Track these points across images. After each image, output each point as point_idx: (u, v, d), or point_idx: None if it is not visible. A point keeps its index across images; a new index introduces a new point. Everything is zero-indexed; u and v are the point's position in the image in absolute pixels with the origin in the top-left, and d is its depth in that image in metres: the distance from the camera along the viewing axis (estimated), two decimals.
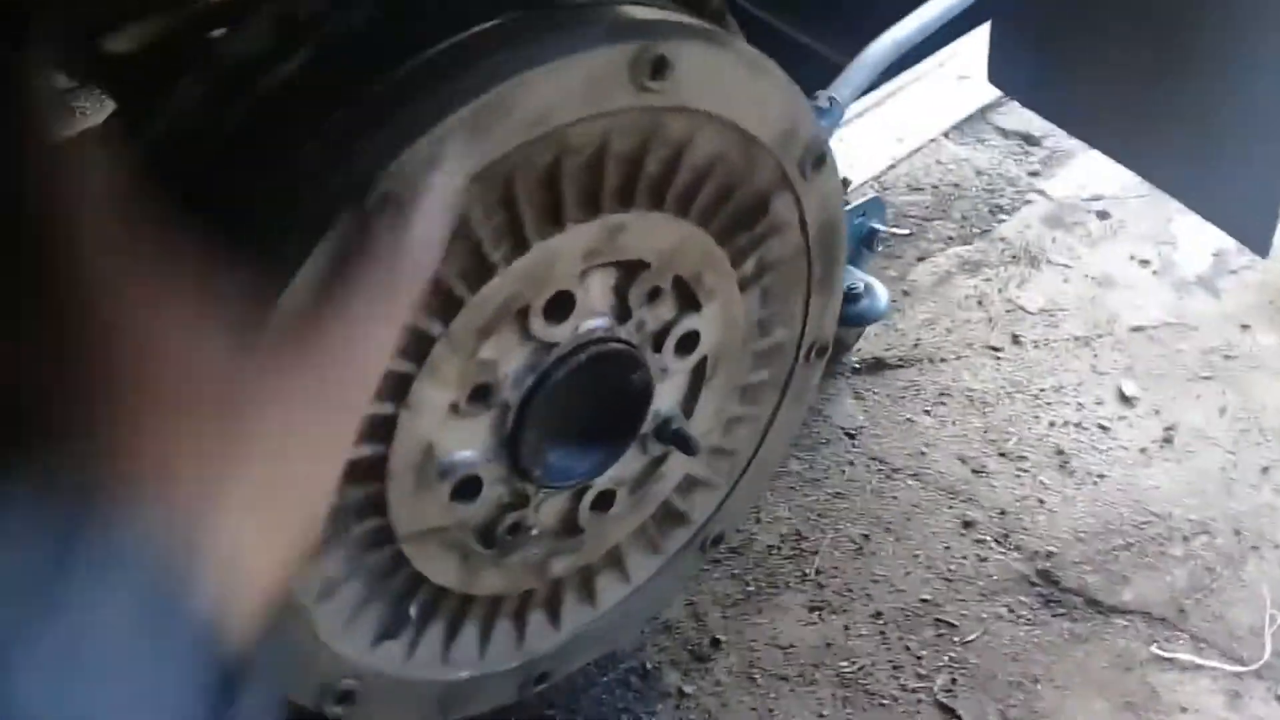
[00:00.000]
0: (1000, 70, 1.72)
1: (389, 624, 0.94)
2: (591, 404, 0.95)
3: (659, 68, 0.82)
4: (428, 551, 0.92)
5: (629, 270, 0.92)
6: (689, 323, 0.98)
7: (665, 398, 1.02)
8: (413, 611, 0.95)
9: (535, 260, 0.84)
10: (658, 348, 0.97)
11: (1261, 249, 1.53)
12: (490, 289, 0.83)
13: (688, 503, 1.13)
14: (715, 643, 1.46)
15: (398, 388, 0.82)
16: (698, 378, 1.03)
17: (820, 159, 0.99)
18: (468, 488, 0.92)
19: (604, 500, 1.03)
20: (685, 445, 1.01)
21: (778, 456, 1.20)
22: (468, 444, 0.91)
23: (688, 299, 0.98)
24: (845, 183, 1.91)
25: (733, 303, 1.01)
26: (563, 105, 0.79)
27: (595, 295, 0.92)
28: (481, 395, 0.88)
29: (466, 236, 0.80)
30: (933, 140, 2.26)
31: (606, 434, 0.99)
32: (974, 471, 1.69)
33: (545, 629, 1.09)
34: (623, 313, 0.93)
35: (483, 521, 0.96)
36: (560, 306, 0.89)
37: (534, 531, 0.98)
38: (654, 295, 0.94)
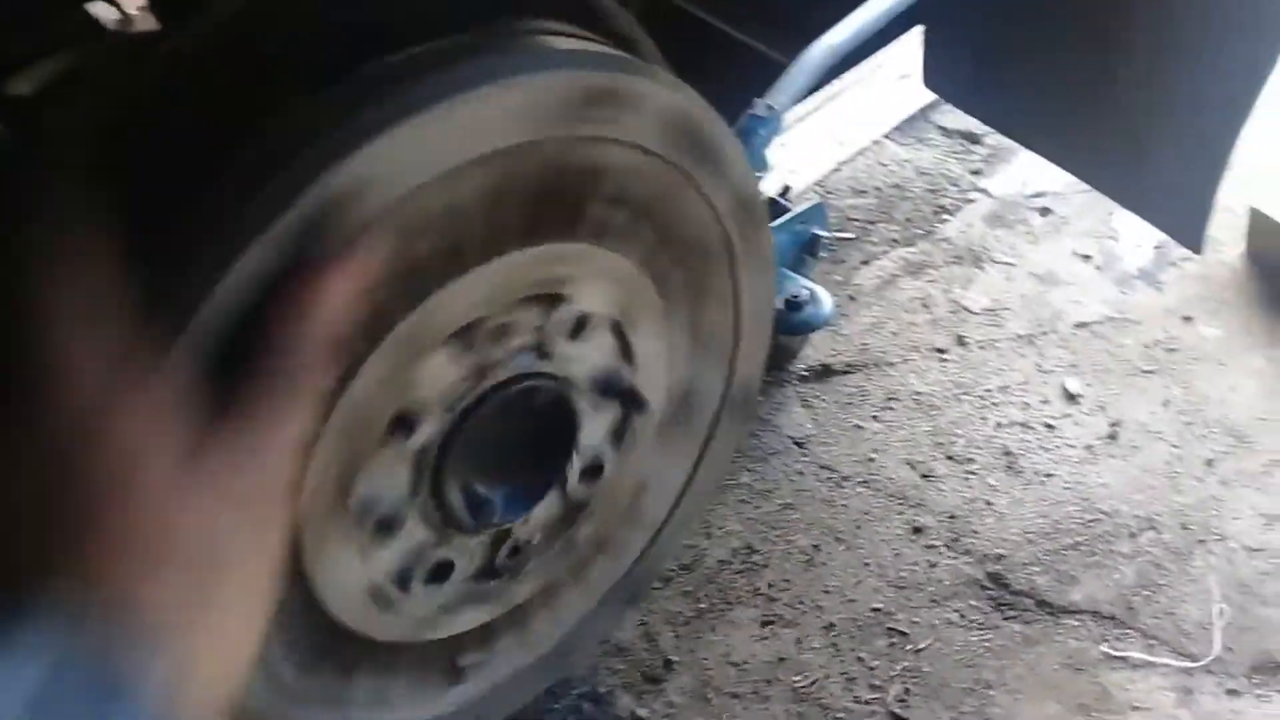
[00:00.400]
0: (935, 75, 1.72)
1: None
2: (514, 444, 0.94)
3: (604, 99, 0.81)
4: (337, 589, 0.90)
5: (558, 303, 0.91)
6: (621, 369, 0.97)
7: (592, 436, 1.00)
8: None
9: (481, 280, 0.83)
10: (590, 388, 0.96)
11: (1195, 245, 1.54)
12: (432, 303, 0.82)
13: (595, 567, 1.12)
14: (668, 663, 1.46)
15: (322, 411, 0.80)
16: (620, 430, 1.02)
17: (754, 204, 0.98)
18: (386, 526, 0.90)
19: (520, 548, 1.01)
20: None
21: (693, 520, 1.19)
22: (386, 480, 0.89)
23: (623, 345, 0.97)
24: (786, 189, 1.92)
25: (662, 355, 1.00)
26: (513, 126, 0.78)
27: (520, 329, 0.91)
28: (405, 426, 0.87)
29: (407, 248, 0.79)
30: (875, 142, 2.26)
31: (528, 476, 0.98)
32: (923, 476, 1.70)
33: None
34: (545, 349, 0.92)
35: (399, 566, 0.94)
36: (496, 335, 0.87)
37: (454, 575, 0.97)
38: (583, 332, 0.93)
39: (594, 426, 0.99)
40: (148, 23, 1.24)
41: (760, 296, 1.06)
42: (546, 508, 1.00)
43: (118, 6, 1.31)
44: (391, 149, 0.72)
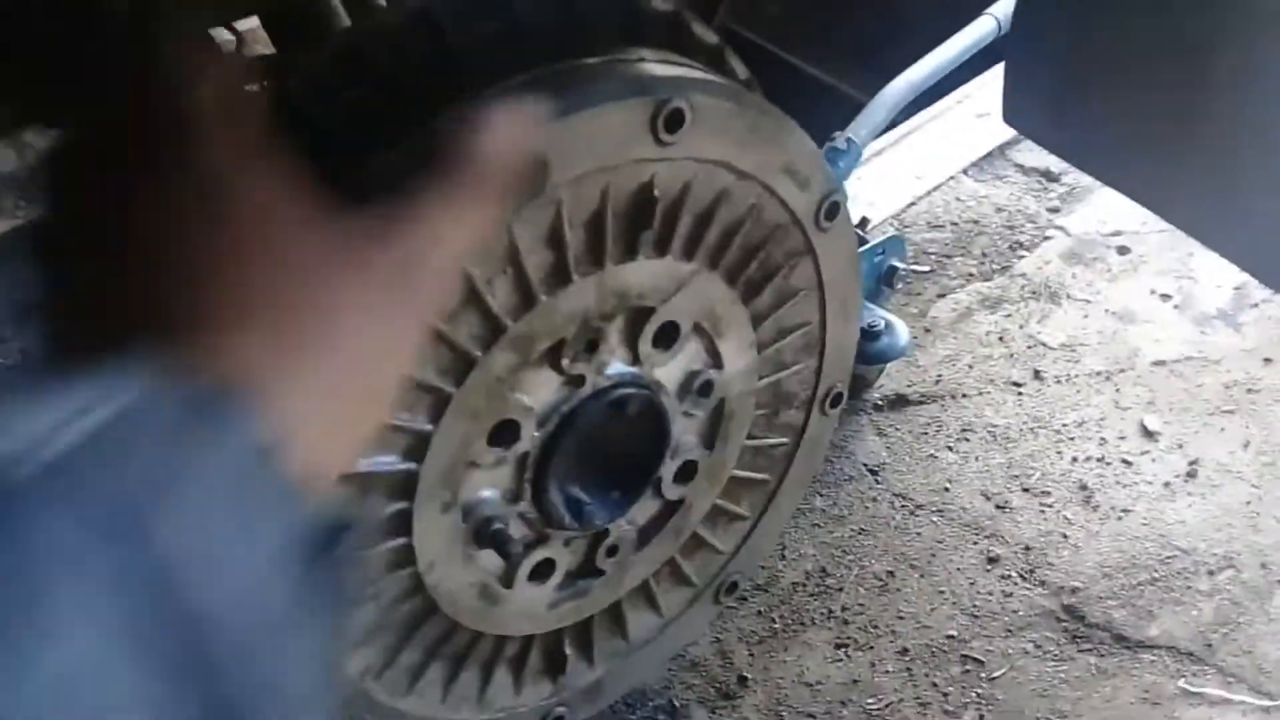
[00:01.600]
0: (1015, 110, 1.74)
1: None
2: (613, 447, 0.98)
3: (674, 121, 0.85)
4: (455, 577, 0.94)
5: (645, 317, 0.95)
6: (707, 374, 1.00)
7: (683, 437, 1.04)
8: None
9: (570, 299, 0.87)
10: (680, 396, 1.00)
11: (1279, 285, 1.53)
12: (531, 318, 0.86)
13: (693, 562, 1.15)
14: (742, 680, 1.47)
15: (435, 407, 0.84)
16: (711, 432, 1.05)
17: (835, 208, 1.01)
18: (487, 526, 0.94)
19: (620, 545, 1.05)
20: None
21: (788, 513, 1.21)
22: (492, 482, 0.93)
23: (710, 350, 1.00)
24: (864, 221, 1.95)
25: (748, 356, 1.03)
26: (592, 151, 0.82)
27: (616, 340, 0.94)
28: (508, 430, 0.91)
29: (515, 264, 0.83)
30: (952, 178, 2.28)
31: (624, 478, 1.02)
32: (998, 507, 1.70)
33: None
34: (639, 358, 0.95)
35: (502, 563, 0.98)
36: (588, 348, 0.91)
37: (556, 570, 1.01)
38: (671, 342, 0.96)
39: (685, 429, 1.02)
40: (262, 44, 1.31)
41: (846, 295, 1.09)
42: (643, 509, 1.03)
43: (232, 30, 1.38)
44: (572, 130, 0.76)
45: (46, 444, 0.38)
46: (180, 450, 0.41)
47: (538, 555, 0.99)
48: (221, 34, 1.20)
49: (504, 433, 0.90)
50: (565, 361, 0.90)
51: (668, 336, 0.96)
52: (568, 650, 1.09)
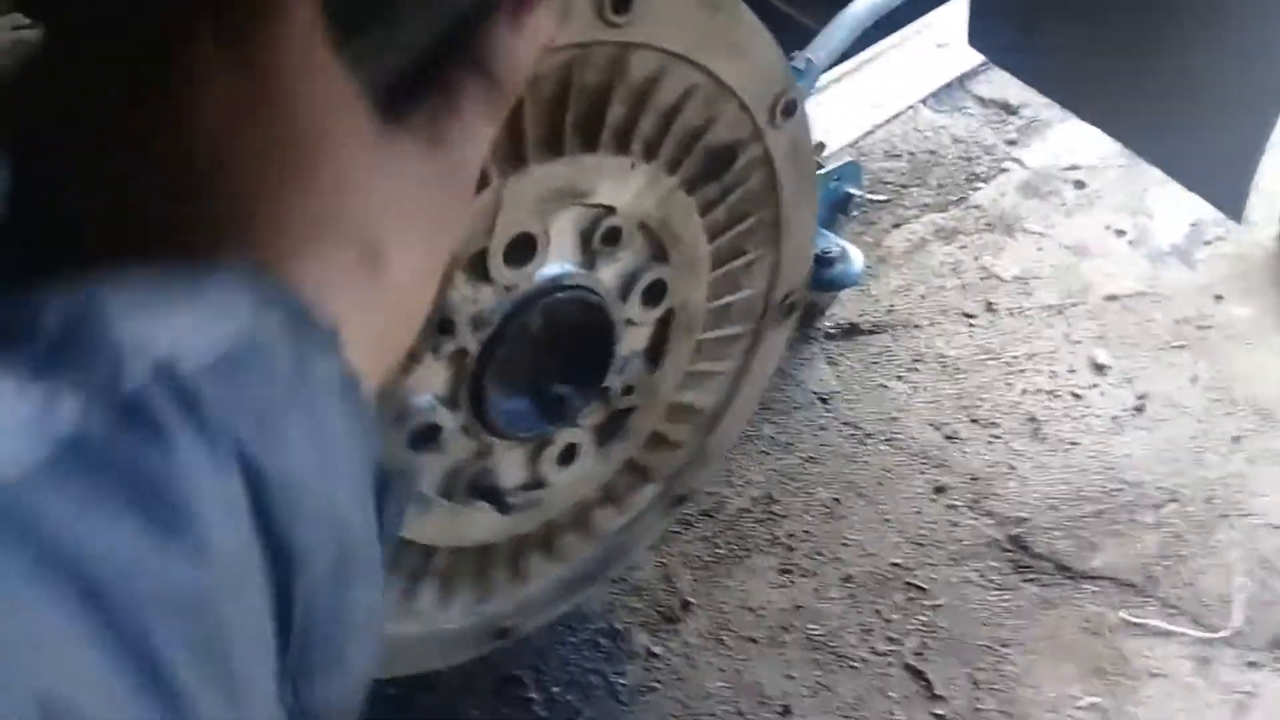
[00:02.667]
0: (980, 34, 1.70)
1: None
2: (554, 354, 0.93)
3: (621, 2, 0.79)
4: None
5: (594, 216, 0.90)
6: (656, 271, 0.95)
7: (629, 347, 0.99)
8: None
9: (492, 199, 0.82)
10: (624, 296, 0.95)
11: (1235, 214, 1.52)
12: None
13: (653, 459, 1.11)
14: (685, 605, 1.45)
15: None
16: (663, 330, 1.01)
17: (791, 106, 0.96)
18: (427, 434, 0.89)
19: (568, 454, 1.00)
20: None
21: (744, 417, 1.18)
22: (430, 387, 0.88)
23: (655, 247, 0.95)
24: (820, 147, 1.90)
25: (700, 254, 0.98)
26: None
27: (558, 240, 0.89)
28: (446, 330, 0.86)
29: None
30: (910, 107, 2.24)
31: (569, 384, 0.97)
32: (946, 438, 1.68)
33: (509, 585, 1.07)
34: (587, 259, 0.90)
35: (449, 468, 0.93)
36: (521, 248, 0.86)
37: (501, 483, 0.96)
38: (617, 240, 0.91)
39: (634, 333, 0.98)
40: None
41: (802, 201, 1.04)
42: (591, 416, 0.99)
43: None
44: None
45: (192, 350, 0.38)
46: (282, 376, 0.41)
47: (478, 466, 0.95)
48: None
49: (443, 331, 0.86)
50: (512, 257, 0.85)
51: (616, 236, 0.91)
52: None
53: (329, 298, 0.45)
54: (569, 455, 1.00)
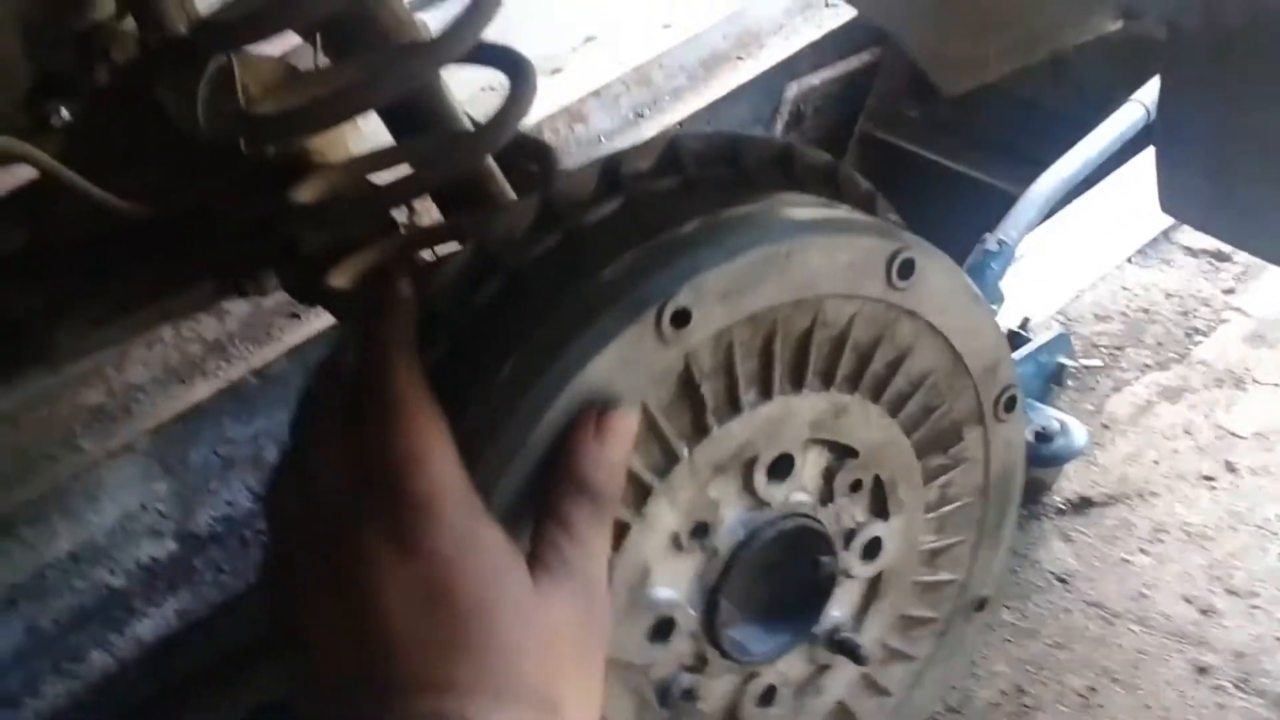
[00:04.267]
0: (1171, 197, 1.69)
1: None
2: (780, 583, 0.97)
3: (906, 269, 0.87)
4: (611, 686, 0.94)
5: (840, 455, 0.95)
6: (876, 528, 0.99)
7: (841, 603, 1.02)
8: None
9: (774, 413, 0.89)
10: (846, 545, 0.99)
11: None
12: (734, 426, 0.87)
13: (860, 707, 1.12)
14: None
15: (638, 497, 0.86)
16: (871, 592, 1.04)
17: (1012, 401, 1.01)
18: (663, 629, 0.94)
19: (768, 695, 1.03)
20: (854, 654, 1.00)
21: (929, 707, 1.18)
22: (674, 583, 0.94)
23: (879, 504, 1.00)
24: (1026, 320, 1.91)
25: (915, 522, 1.02)
26: (827, 278, 0.85)
27: (808, 471, 0.95)
28: (701, 533, 0.91)
29: (727, 372, 0.85)
30: (1116, 266, 2.23)
31: (786, 620, 1.01)
32: (1202, 612, 1.61)
33: None
34: (826, 496, 0.96)
35: (664, 675, 0.97)
36: (781, 468, 0.92)
37: (701, 705, 0.99)
38: (856, 487, 0.96)
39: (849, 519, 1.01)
40: (434, 216, 1.39)
41: (1010, 444, 1.07)
42: (843, 597, 1.02)
43: (409, 206, 1.47)
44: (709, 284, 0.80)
45: None
46: None
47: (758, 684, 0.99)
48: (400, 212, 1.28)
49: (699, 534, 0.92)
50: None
51: (856, 484, 0.96)
52: None
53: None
54: (769, 697, 1.03)
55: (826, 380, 0.90)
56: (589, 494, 0.64)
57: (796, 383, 0.89)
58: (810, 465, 0.94)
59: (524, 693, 0.55)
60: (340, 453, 0.59)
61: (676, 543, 0.90)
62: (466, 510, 0.58)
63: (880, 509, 0.99)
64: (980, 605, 1.10)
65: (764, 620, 1.00)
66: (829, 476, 0.95)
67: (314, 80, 1.07)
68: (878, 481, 0.97)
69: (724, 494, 0.91)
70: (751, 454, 0.89)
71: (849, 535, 0.98)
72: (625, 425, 0.67)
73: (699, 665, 0.98)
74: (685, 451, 0.85)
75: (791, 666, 1.03)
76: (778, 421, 0.89)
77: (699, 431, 0.86)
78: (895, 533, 1.00)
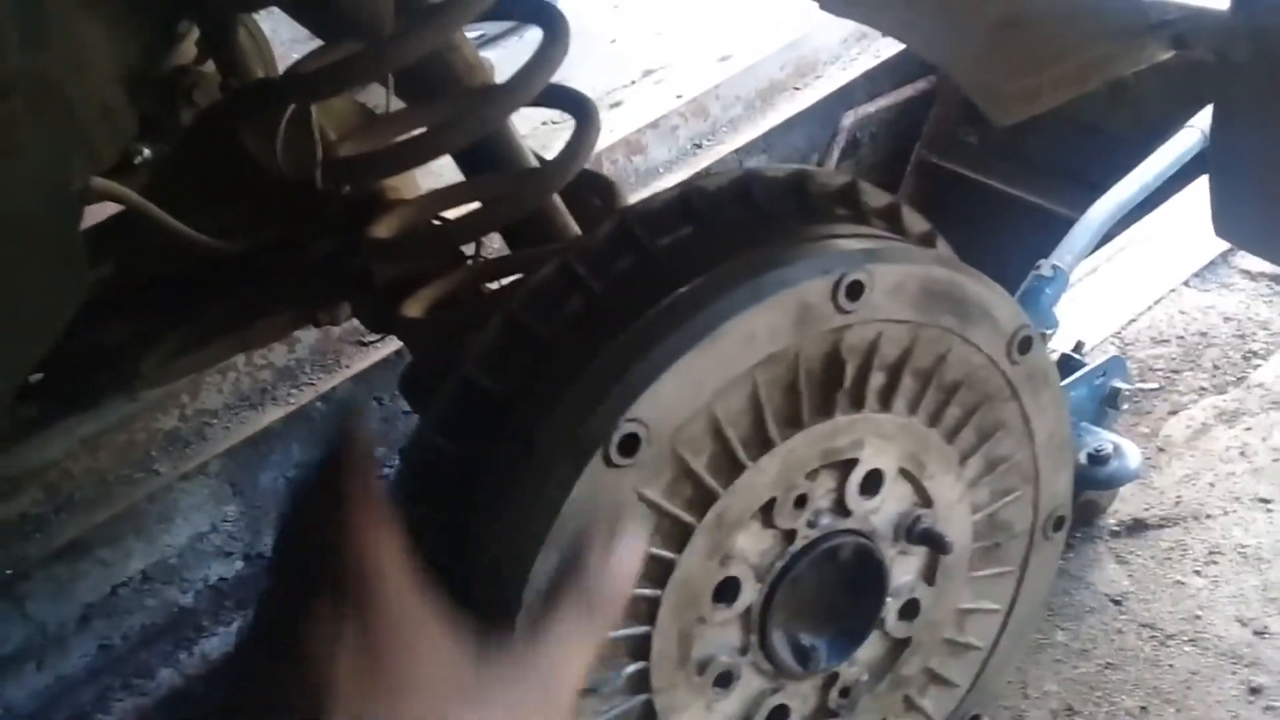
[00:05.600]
0: (1225, 222, 1.71)
1: None
2: (831, 593, 1.02)
3: (854, 291, 0.92)
4: None
5: (850, 467, 1.00)
6: (919, 514, 1.04)
7: (902, 577, 1.07)
8: None
9: (778, 458, 0.94)
10: (895, 538, 1.04)
11: None
12: (741, 484, 0.93)
13: (928, 699, 1.16)
14: None
15: (659, 573, 0.92)
16: (931, 569, 1.08)
17: (1027, 341, 1.04)
18: (724, 679, 0.99)
19: (852, 687, 1.08)
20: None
21: (1019, 649, 1.21)
22: (721, 635, 0.99)
23: (919, 492, 1.04)
24: (1080, 345, 1.93)
25: (960, 495, 1.06)
26: (780, 332, 0.90)
27: (823, 492, 1.00)
28: (730, 587, 0.97)
29: (719, 438, 0.91)
30: (1173, 290, 2.23)
31: (848, 621, 1.05)
32: (1256, 633, 1.62)
33: None
34: (844, 508, 1.01)
35: (740, 710, 1.02)
36: (798, 503, 0.97)
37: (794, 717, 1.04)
38: (876, 489, 1.01)
39: (903, 569, 1.06)
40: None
41: (1053, 422, 1.10)
42: (870, 648, 1.06)
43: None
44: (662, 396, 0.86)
45: None
46: None
47: (772, 702, 1.04)
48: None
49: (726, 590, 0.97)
50: (778, 518, 0.97)
51: (873, 484, 1.01)
52: None
53: None
54: (854, 685, 1.08)
55: (825, 411, 0.96)
56: (585, 598, 0.69)
57: (794, 423, 0.95)
58: (825, 488, 1.00)
59: None
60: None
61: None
62: (409, 601, 0.65)
63: (921, 496, 1.05)
64: (1059, 524, 1.17)
65: (827, 627, 1.05)
66: (858, 488, 1.01)
67: (392, 123, 1.14)
68: (905, 473, 1.03)
69: (748, 544, 0.96)
70: (765, 500, 0.95)
71: (896, 528, 1.04)
72: (635, 547, 0.72)
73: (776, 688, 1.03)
74: (694, 521, 0.92)
75: (868, 652, 1.08)
76: (786, 463, 0.95)
77: (707, 500, 0.93)
78: (942, 511, 1.05)
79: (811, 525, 0.99)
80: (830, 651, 1.04)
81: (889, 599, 1.05)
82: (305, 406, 2.33)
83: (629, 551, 0.71)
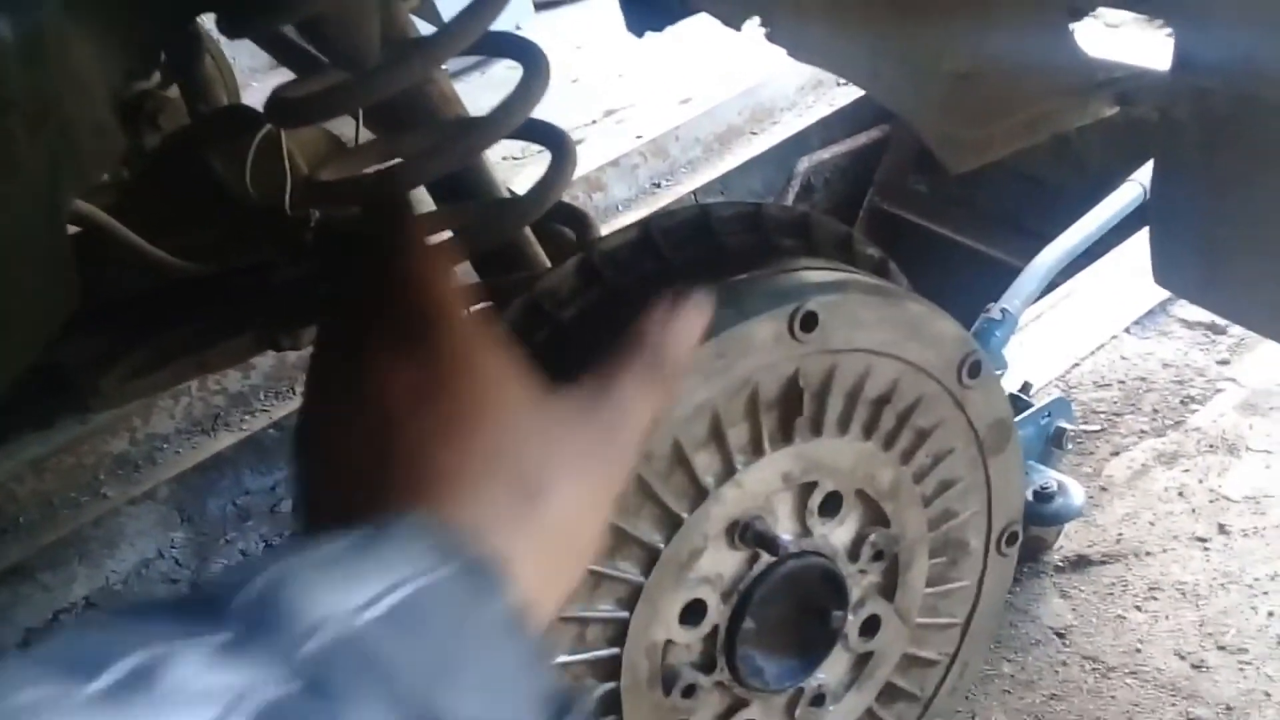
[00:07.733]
0: (1165, 272, 1.77)
1: None
2: (794, 612, 1.05)
3: (808, 323, 0.95)
4: None
5: (811, 490, 1.04)
6: (875, 536, 1.08)
7: (862, 595, 1.10)
8: None
9: (740, 484, 0.97)
10: (852, 558, 1.07)
11: None
12: (703, 508, 0.96)
13: (891, 712, 1.19)
14: None
15: (629, 596, 0.94)
16: (889, 585, 1.12)
17: (976, 365, 1.09)
18: (690, 693, 1.02)
19: (818, 701, 1.11)
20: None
21: (978, 659, 1.25)
22: (688, 655, 1.01)
23: (876, 512, 1.08)
24: (1027, 385, 1.99)
25: (917, 514, 1.10)
26: (738, 363, 0.94)
27: (785, 514, 1.03)
28: (696, 609, 1.00)
29: (683, 464, 0.94)
30: (1114, 336, 2.30)
31: (812, 638, 1.09)
32: (1194, 667, 1.67)
33: None
34: (808, 529, 1.04)
35: None
36: (760, 525, 1.00)
37: None
38: (835, 510, 1.05)
39: (862, 587, 1.09)
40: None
41: (1004, 453, 1.15)
42: (834, 663, 1.09)
43: None
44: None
45: (369, 604, 0.45)
46: (455, 620, 0.48)
47: (740, 717, 1.06)
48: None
49: (693, 610, 1.00)
50: (740, 541, 1.00)
51: (832, 506, 1.05)
52: None
53: (493, 530, 0.54)
54: (819, 699, 1.11)
55: (784, 437, 1.00)
56: (649, 354, 0.66)
57: (756, 451, 0.98)
58: (786, 509, 1.03)
59: (505, 471, 0.57)
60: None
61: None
62: (470, 332, 0.62)
63: (878, 517, 1.08)
64: (1012, 539, 1.21)
65: (788, 646, 1.08)
66: (817, 510, 1.04)
67: (368, 152, 1.17)
68: (862, 495, 1.06)
69: (713, 567, 0.99)
70: (729, 523, 0.98)
71: (852, 548, 1.07)
72: (698, 316, 0.69)
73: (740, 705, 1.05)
74: (661, 545, 0.96)
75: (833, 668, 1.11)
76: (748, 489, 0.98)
77: (672, 526, 0.96)
78: (899, 530, 1.10)
79: (773, 547, 1.02)
80: (796, 668, 1.07)
81: (850, 616, 1.08)
82: (257, 433, 2.32)
83: (692, 319, 0.68)
